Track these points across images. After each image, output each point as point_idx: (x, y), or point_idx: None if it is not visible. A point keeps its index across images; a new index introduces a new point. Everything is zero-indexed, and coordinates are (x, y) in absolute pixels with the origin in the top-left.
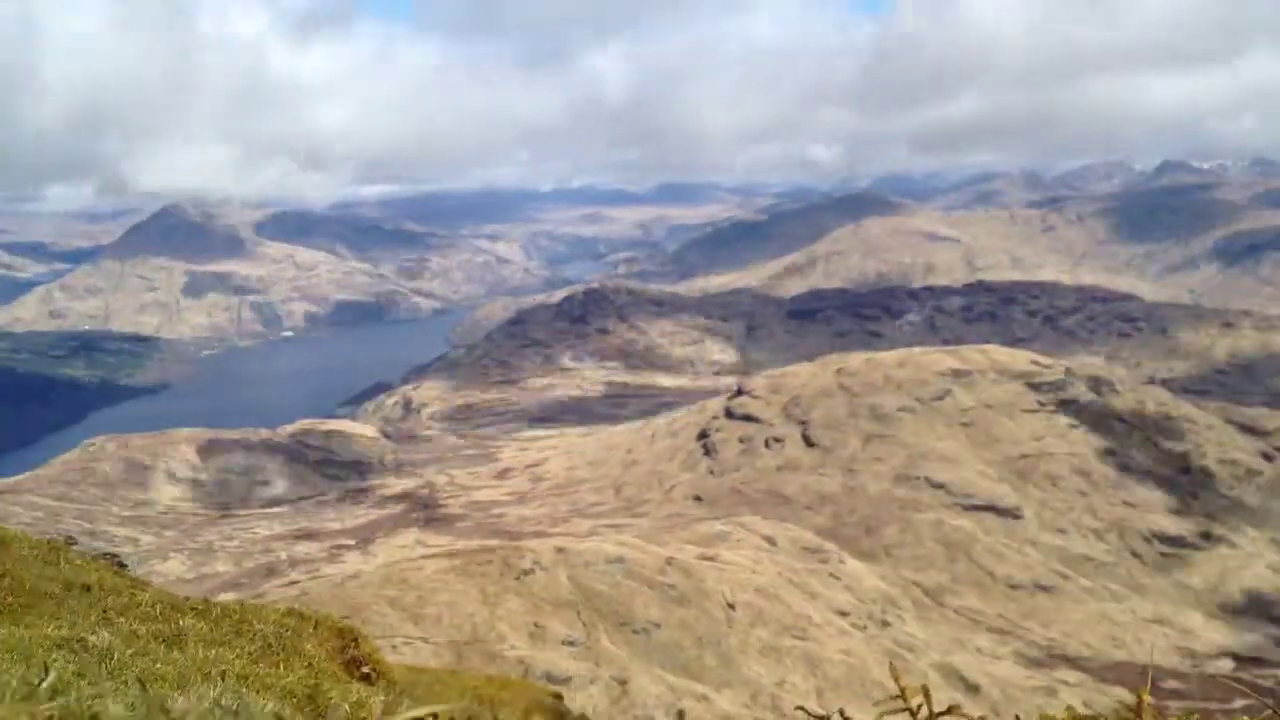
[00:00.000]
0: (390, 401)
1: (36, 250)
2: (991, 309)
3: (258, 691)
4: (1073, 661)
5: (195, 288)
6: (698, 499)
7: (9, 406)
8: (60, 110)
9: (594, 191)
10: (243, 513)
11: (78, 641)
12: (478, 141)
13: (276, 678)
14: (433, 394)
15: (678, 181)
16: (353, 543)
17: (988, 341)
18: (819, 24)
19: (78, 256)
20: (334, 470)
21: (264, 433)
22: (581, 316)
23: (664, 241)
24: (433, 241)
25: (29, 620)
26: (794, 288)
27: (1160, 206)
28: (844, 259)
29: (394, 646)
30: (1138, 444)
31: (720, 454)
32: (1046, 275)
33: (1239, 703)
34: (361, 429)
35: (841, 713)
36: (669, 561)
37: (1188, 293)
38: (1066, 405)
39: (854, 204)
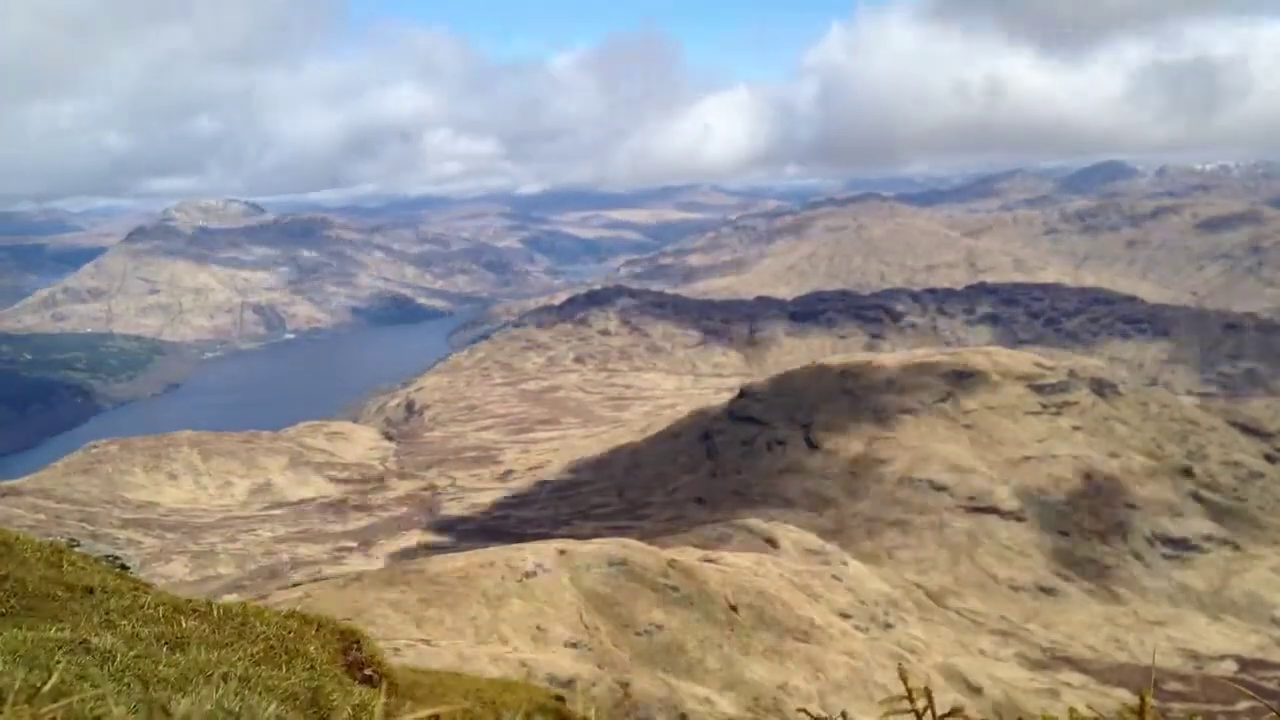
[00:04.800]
0: (393, 403)
1: (38, 252)
2: (994, 311)
3: (260, 693)
4: (1075, 663)
5: (197, 290)
6: (700, 501)
7: (12, 409)
8: None
9: (597, 193)
10: (245, 514)
11: (80, 644)
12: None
13: (279, 680)
14: (435, 396)
15: (680, 184)
16: (355, 544)
17: (990, 343)
18: None
19: (80, 258)
20: (336, 472)
21: (266, 435)
22: (584, 318)
23: (665, 243)
24: (435, 243)
25: (31, 623)
26: (796, 289)
27: (1162, 208)
28: (846, 261)
29: (396, 649)
30: (1140, 446)
31: (722, 456)
32: (1049, 277)
33: (1242, 705)
34: (364, 430)
35: (844, 715)
36: (671, 563)
37: (1190, 294)
38: (1069, 407)
39: (856, 206)
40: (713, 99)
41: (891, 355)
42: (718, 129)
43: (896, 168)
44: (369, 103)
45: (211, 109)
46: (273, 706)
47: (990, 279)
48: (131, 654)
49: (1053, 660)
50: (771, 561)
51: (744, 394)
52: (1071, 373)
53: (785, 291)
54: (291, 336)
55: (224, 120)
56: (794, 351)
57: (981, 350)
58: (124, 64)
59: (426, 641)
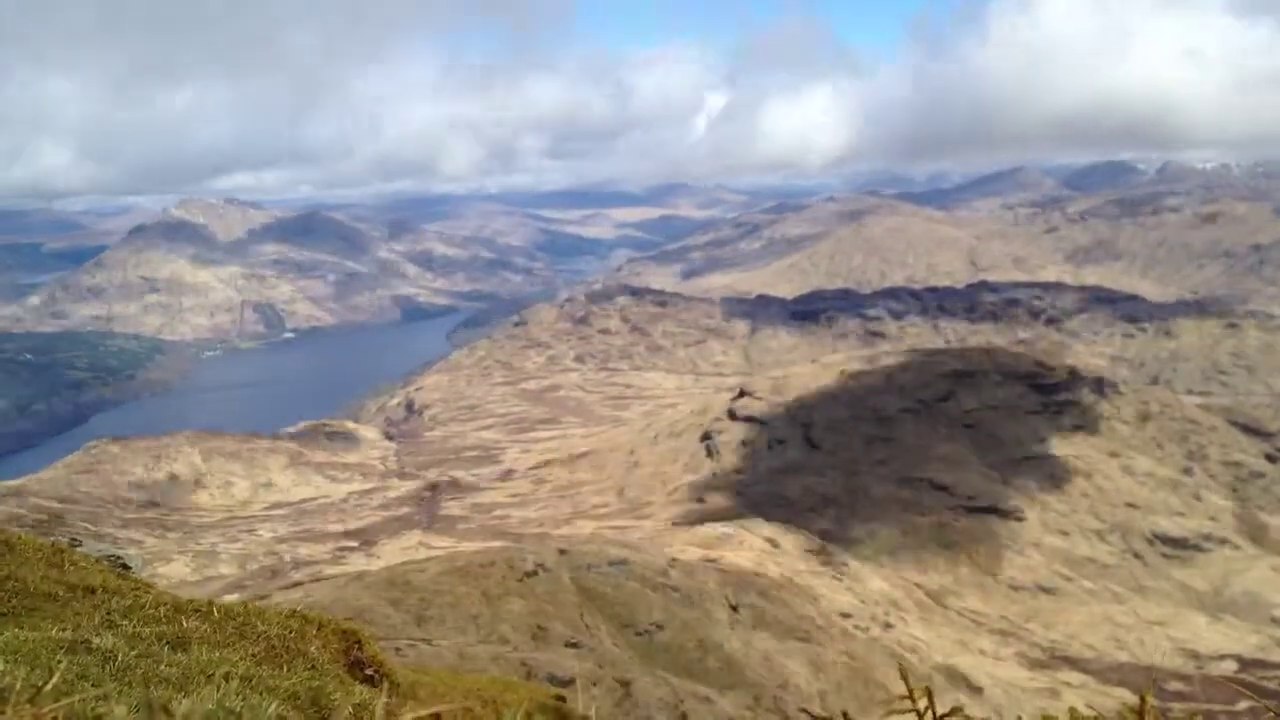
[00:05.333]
0: (393, 403)
1: (38, 251)
2: (994, 309)
3: (261, 693)
4: (1075, 663)
5: (197, 289)
6: (700, 500)
7: (12, 408)
8: None
9: (597, 192)
10: (246, 514)
11: (82, 644)
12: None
13: (280, 679)
14: (435, 395)
15: (681, 182)
16: (356, 544)
17: (990, 342)
18: None
19: (80, 256)
20: (336, 472)
21: (267, 434)
22: (584, 317)
23: (667, 241)
24: (435, 241)
25: (33, 623)
26: (796, 288)
27: (1163, 207)
28: (847, 259)
29: (397, 649)
30: (1141, 445)
31: (723, 455)
32: (1050, 275)
33: (1242, 705)
34: (364, 430)
35: (845, 715)
36: (672, 563)
37: (1191, 293)
38: (1070, 406)
39: (856, 204)
40: (822, 86)
41: (892, 354)
42: (819, 119)
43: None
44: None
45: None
46: (274, 706)
47: (991, 277)
48: (133, 654)
49: (1053, 660)
50: (772, 561)
51: (744, 393)
52: (1072, 372)
53: (786, 290)
54: (291, 335)
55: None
56: (794, 350)
57: (982, 349)
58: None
59: (427, 641)
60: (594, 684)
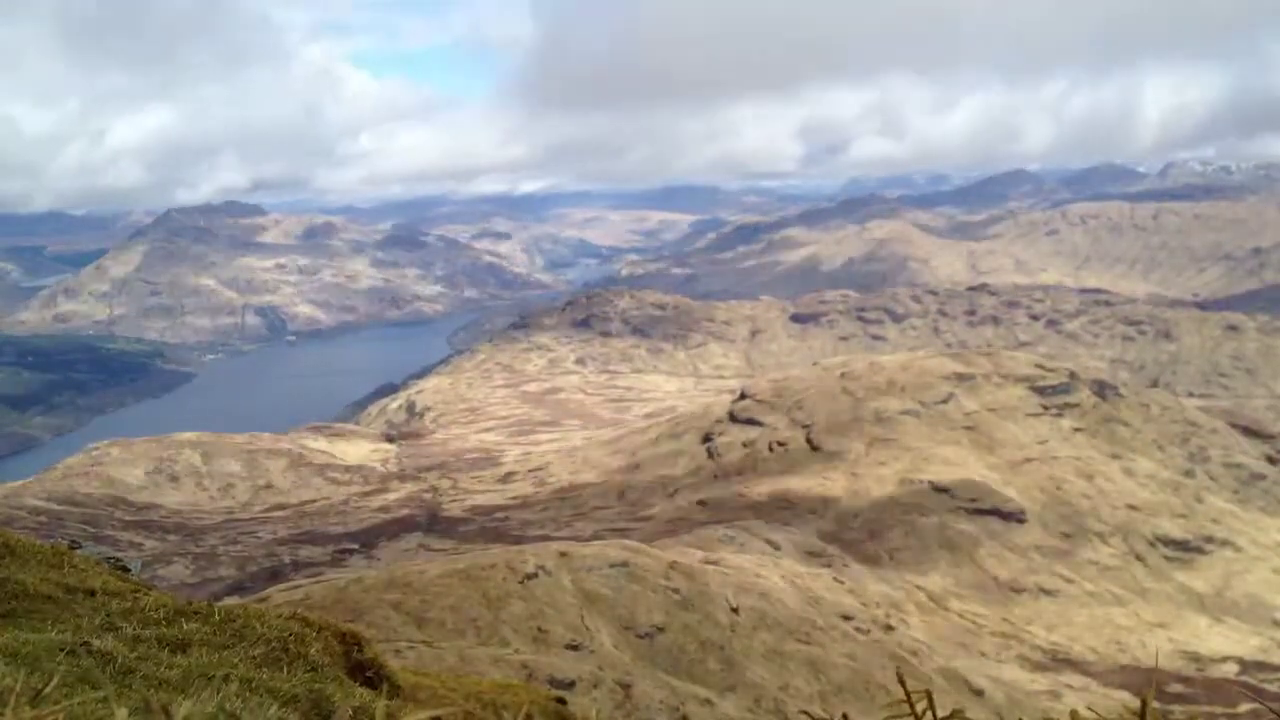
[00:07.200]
0: (394, 405)
1: (40, 254)
2: (995, 312)
3: (261, 696)
4: (1077, 665)
5: (199, 292)
6: (701, 503)
7: (14, 411)
8: None
9: (598, 193)
10: (246, 516)
11: (82, 646)
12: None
13: (280, 682)
14: (436, 397)
15: (682, 184)
16: (356, 547)
17: (991, 345)
18: None
19: (82, 260)
20: (337, 474)
21: (268, 436)
22: (585, 320)
23: (668, 244)
24: (436, 244)
25: (33, 625)
26: (797, 290)
27: (1164, 210)
28: (848, 262)
29: (397, 650)
30: (1141, 448)
31: (724, 457)
32: (1050, 278)
33: (1243, 707)
34: (365, 432)
35: (845, 717)
36: (672, 565)
37: (1191, 295)
38: (1070, 409)
39: (858, 207)
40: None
41: (893, 357)
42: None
43: None
44: None
45: None
46: (274, 709)
47: (991, 280)
48: (133, 656)
49: (1054, 662)
50: (773, 563)
51: (745, 395)
52: (1072, 374)
53: (786, 293)
54: (293, 339)
55: None
56: (795, 353)
57: (983, 352)
58: None
59: (428, 643)
60: (595, 686)
